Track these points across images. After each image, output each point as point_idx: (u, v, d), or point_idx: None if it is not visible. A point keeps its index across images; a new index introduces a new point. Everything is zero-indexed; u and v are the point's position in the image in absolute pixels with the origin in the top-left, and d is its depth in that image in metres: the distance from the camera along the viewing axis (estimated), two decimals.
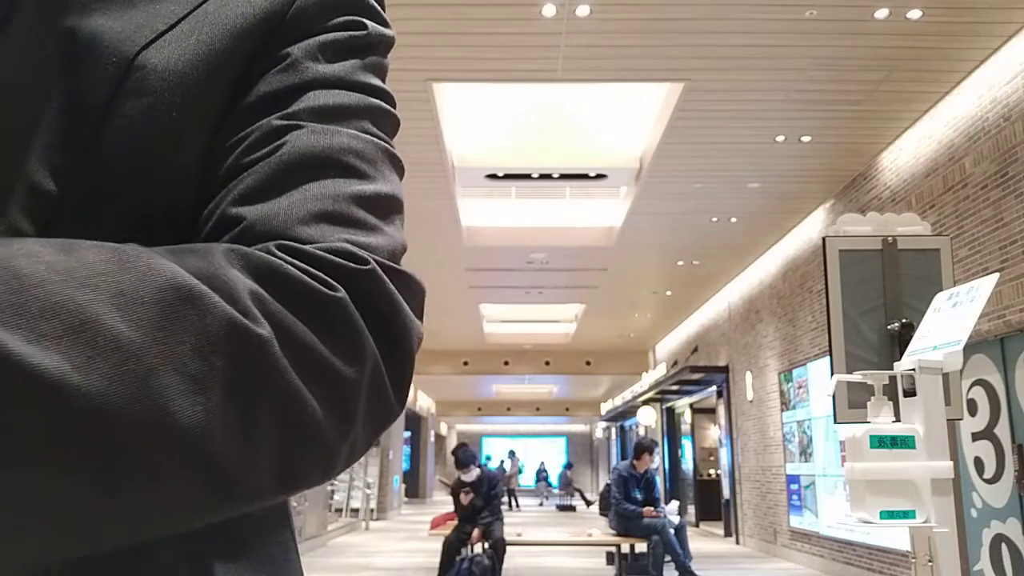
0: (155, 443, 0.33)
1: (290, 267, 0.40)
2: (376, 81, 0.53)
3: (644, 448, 8.82)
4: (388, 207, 0.48)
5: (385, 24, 0.56)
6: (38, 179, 0.44)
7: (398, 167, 0.52)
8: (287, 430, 0.38)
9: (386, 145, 0.51)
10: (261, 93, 0.49)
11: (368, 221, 0.46)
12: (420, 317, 0.46)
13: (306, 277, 0.40)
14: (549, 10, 5.57)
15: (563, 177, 9.29)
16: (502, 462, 29.60)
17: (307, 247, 0.42)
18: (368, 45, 0.54)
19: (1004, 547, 5.88)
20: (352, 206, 0.46)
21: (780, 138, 7.52)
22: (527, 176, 9.29)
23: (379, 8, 0.56)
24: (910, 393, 2.20)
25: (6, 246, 0.33)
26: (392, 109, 0.54)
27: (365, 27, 0.54)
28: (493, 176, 9.22)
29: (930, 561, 2.06)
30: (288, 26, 0.51)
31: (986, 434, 6.10)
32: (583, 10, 5.58)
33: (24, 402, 0.30)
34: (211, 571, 0.47)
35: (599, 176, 9.16)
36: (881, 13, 5.52)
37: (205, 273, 0.37)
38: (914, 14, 5.52)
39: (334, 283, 0.41)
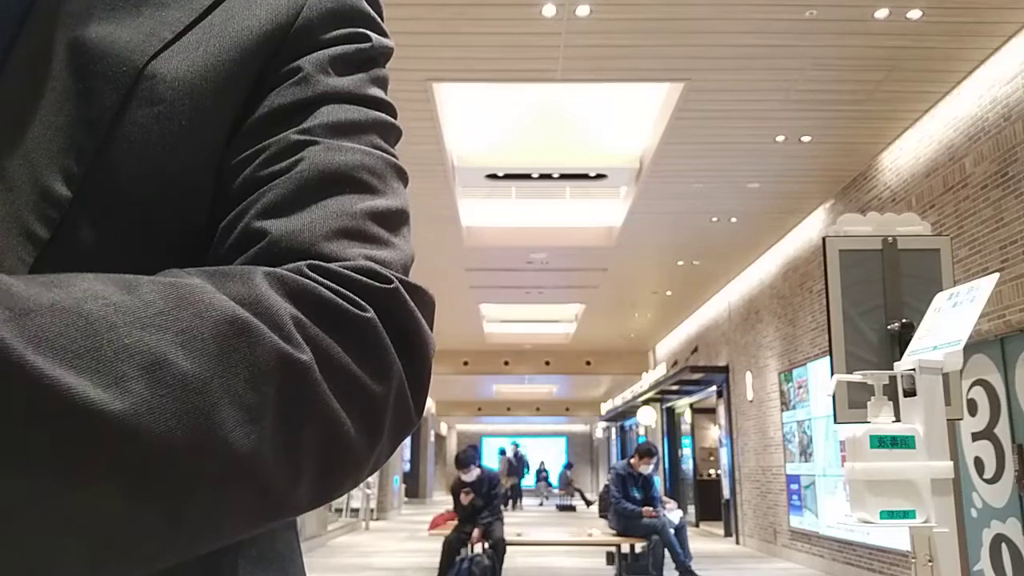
0: (214, 474, 0.35)
1: (324, 289, 0.42)
2: (381, 94, 0.56)
3: (646, 452, 8.81)
4: (398, 220, 0.51)
5: (385, 34, 0.58)
6: (50, 183, 0.45)
7: (404, 179, 0.54)
8: (325, 449, 0.40)
9: (393, 159, 0.53)
10: (275, 106, 0.51)
11: (381, 236, 0.48)
12: (431, 328, 0.49)
13: (339, 299, 0.42)
14: (549, 10, 5.57)
15: (563, 177, 9.29)
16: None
17: (335, 267, 0.44)
18: (372, 58, 0.56)
19: (1004, 547, 5.88)
20: (367, 222, 0.48)
21: (780, 138, 7.52)
22: (527, 176, 9.29)
23: (379, 19, 0.58)
24: (910, 393, 2.20)
25: (69, 288, 0.34)
26: (395, 120, 0.56)
27: (369, 39, 0.56)
28: (493, 176, 9.21)
29: (930, 561, 2.06)
30: (294, 38, 0.52)
31: (986, 434, 6.10)
32: (583, 10, 5.58)
33: (102, 446, 0.31)
34: (223, 568, 0.48)
35: (599, 176, 9.16)
36: (881, 13, 5.52)
37: (248, 300, 0.38)
38: (914, 14, 5.52)
39: (363, 303, 0.43)
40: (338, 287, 0.42)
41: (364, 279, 0.44)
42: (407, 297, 0.45)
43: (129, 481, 0.32)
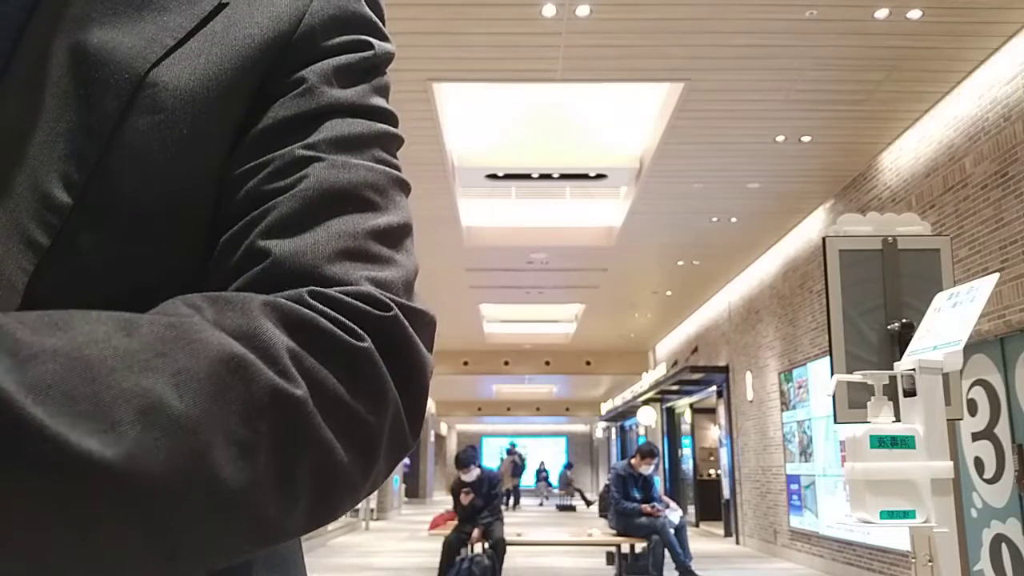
0: (209, 510, 0.36)
1: (322, 319, 0.42)
2: (384, 104, 0.55)
3: (648, 452, 8.80)
4: (400, 235, 0.51)
5: (386, 39, 0.57)
6: (51, 189, 0.45)
7: (406, 191, 0.54)
8: (319, 478, 0.41)
9: (396, 173, 0.53)
10: (279, 118, 0.51)
11: (383, 255, 0.48)
12: (431, 349, 0.48)
13: (337, 329, 0.42)
14: (549, 10, 5.57)
15: (563, 177, 9.29)
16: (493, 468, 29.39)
17: (335, 293, 0.44)
18: (375, 66, 0.55)
19: (1004, 547, 5.88)
20: (370, 241, 0.48)
21: (780, 138, 7.52)
22: (527, 176, 9.28)
23: (380, 24, 0.57)
24: (910, 393, 2.20)
25: (71, 331, 0.34)
26: (397, 131, 0.56)
27: (372, 47, 0.55)
28: (493, 176, 9.21)
29: (930, 561, 2.06)
30: (296, 47, 0.52)
31: (986, 434, 6.10)
32: (583, 10, 5.58)
33: (100, 492, 0.32)
34: (227, 569, 0.48)
35: (599, 176, 9.16)
36: (881, 13, 5.52)
37: (245, 332, 0.39)
38: (914, 14, 5.52)
39: (361, 332, 0.43)
40: (337, 315, 0.43)
41: (363, 306, 0.44)
42: (406, 324, 0.45)
43: (126, 522, 0.33)
